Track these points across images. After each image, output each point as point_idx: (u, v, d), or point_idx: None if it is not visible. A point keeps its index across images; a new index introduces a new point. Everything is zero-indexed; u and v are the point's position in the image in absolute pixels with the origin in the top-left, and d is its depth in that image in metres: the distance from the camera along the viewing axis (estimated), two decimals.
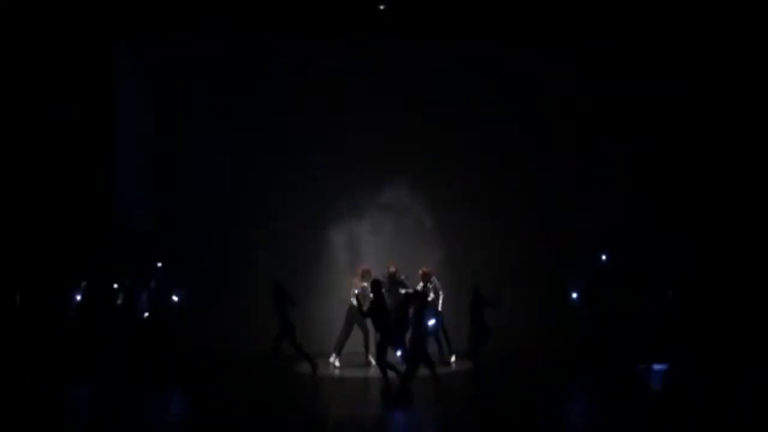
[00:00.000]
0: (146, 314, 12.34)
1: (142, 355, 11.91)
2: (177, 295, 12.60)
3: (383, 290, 11.41)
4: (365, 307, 11.32)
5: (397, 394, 10.37)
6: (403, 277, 12.80)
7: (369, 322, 12.22)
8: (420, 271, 12.73)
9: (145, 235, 13.76)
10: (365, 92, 14.07)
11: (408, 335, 10.80)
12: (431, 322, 11.19)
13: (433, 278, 12.75)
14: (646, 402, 10.03)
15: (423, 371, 10.55)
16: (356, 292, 12.22)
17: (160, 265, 12.86)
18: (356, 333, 12.83)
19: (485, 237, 14.00)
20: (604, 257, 12.91)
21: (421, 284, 12.57)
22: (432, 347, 12.71)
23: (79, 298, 12.23)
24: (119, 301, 12.30)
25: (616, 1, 13.16)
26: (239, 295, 13.53)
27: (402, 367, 10.65)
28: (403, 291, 12.07)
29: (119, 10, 13.11)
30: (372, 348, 12.69)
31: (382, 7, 13.17)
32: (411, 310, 10.76)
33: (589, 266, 12.86)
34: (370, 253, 13.86)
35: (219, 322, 13.35)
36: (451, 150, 14.14)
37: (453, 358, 12.73)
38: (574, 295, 12.65)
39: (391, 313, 11.04)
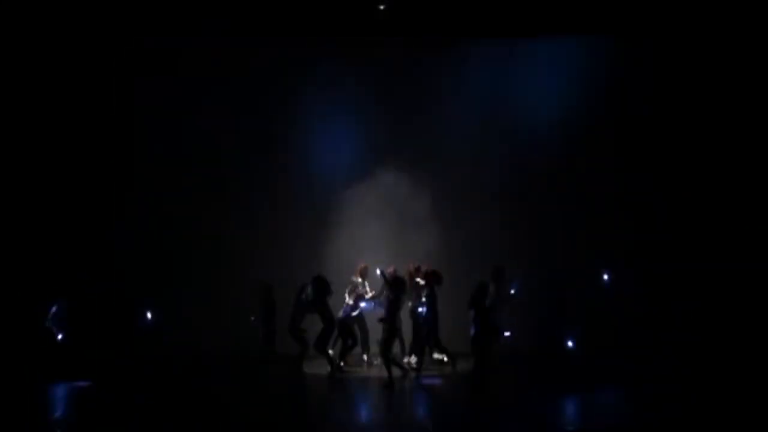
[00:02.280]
0: None
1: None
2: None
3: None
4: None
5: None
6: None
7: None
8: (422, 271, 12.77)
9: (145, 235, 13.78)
10: (365, 92, 14.10)
11: None
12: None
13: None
14: None
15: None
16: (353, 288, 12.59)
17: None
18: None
19: (485, 232, 14.02)
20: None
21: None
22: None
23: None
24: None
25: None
26: (236, 295, 13.46)
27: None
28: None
29: (120, 10, 13.11)
30: (373, 347, 12.78)
31: (382, 7, 13.17)
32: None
33: None
34: (371, 250, 13.85)
35: (216, 322, 13.32)
36: (451, 149, 14.18)
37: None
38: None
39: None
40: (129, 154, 14.00)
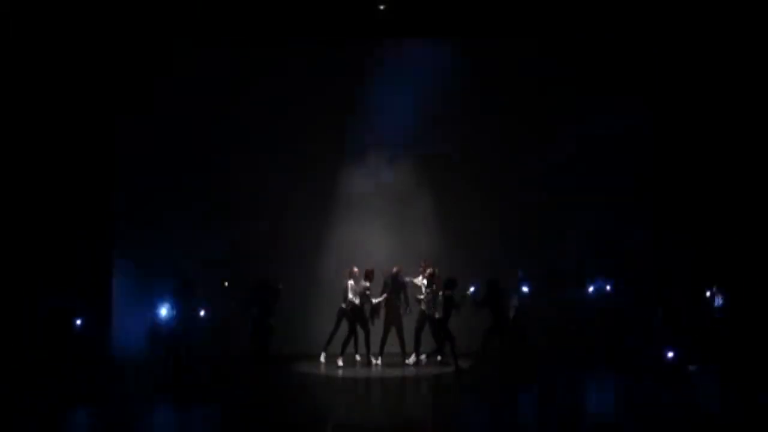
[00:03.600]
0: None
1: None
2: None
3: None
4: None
5: None
6: (407, 279, 13.11)
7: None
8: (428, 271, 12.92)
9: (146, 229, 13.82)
10: (365, 92, 14.10)
11: None
12: None
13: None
14: None
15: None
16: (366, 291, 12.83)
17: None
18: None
19: (484, 232, 14.10)
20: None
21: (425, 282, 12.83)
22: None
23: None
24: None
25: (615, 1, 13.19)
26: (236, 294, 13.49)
27: None
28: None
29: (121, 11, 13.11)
30: (373, 347, 12.87)
31: (382, 7, 13.16)
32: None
33: None
34: (369, 251, 13.91)
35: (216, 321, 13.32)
36: (451, 149, 14.24)
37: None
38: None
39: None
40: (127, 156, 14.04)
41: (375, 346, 12.94)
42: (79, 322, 12.52)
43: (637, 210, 13.92)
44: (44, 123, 12.99)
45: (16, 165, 12.75)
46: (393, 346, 13.04)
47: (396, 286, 13.09)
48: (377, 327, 13.09)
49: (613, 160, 14.01)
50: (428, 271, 12.82)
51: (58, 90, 13.08)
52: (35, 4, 12.48)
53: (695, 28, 13.31)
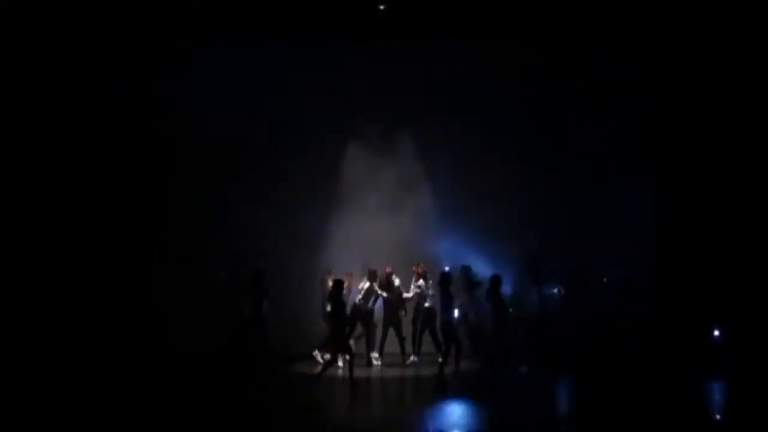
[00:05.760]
0: None
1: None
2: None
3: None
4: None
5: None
6: (397, 282, 13.14)
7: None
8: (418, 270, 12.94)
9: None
10: (365, 92, 14.14)
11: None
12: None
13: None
14: None
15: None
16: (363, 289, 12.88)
17: None
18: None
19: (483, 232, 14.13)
20: None
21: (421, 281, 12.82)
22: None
23: None
24: None
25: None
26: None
27: None
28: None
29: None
30: (376, 346, 12.89)
31: (382, 7, 13.20)
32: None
33: None
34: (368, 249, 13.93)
35: (215, 319, 13.39)
36: (451, 149, 14.25)
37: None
38: None
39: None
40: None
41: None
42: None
43: (637, 210, 13.98)
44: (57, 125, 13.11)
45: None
46: (392, 346, 13.08)
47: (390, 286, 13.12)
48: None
49: (617, 159, 14.06)
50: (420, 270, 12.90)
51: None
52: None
53: (696, 30, 13.35)
